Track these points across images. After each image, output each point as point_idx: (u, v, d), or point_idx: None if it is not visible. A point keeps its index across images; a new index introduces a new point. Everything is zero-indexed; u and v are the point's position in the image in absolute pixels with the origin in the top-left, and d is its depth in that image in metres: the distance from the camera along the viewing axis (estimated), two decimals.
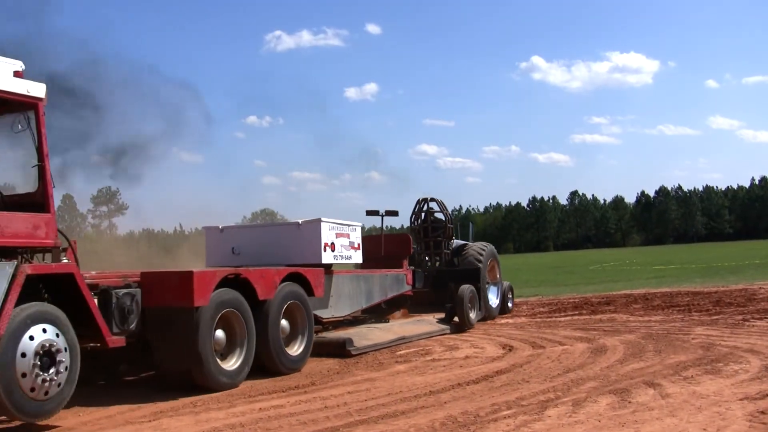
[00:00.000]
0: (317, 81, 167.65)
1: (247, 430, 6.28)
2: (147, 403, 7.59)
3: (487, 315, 15.08)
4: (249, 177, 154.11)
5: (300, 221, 10.96)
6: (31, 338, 6.18)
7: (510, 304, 16.71)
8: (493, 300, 15.73)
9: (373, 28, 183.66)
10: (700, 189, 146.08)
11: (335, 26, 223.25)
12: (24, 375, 6.10)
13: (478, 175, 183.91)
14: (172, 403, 7.57)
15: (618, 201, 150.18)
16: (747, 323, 12.28)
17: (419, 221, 16.20)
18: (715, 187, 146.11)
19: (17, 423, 6.73)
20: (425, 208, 16.23)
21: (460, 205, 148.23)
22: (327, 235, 10.87)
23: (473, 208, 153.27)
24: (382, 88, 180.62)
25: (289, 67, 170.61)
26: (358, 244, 11.78)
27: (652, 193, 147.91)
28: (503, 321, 15.07)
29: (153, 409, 7.31)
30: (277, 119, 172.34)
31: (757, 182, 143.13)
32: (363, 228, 12.17)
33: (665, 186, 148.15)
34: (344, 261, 11.51)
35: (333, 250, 10.95)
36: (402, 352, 10.83)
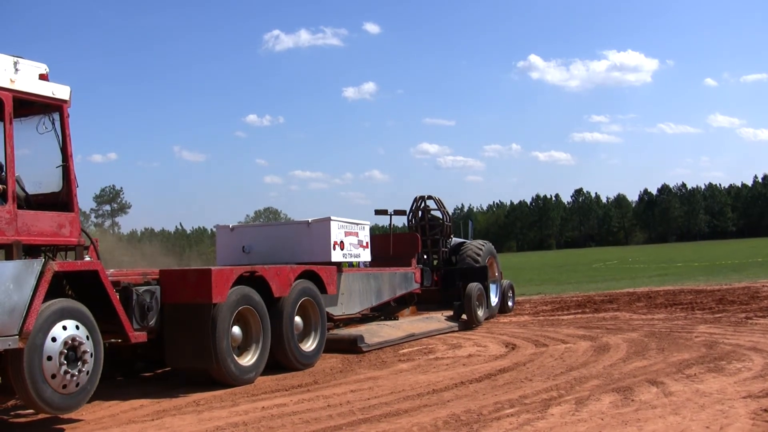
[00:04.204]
0: (316, 81, 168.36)
1: (250, 428, 6.33)
2: (150, 401, 7.69)
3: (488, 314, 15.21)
4: (251, 176, 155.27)
5: (310, 220, 11.11)
6: (58, 333, 6.36)
7: (511, 303, 16.68)
8: (493, 298, 15.68)
9: (371, 27, 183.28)
10: (703, 187, 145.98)
11: (333, 25, 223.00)
12: (50, 369, 6.27)
13: (479, 174, 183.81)
14: (176, 401, 7.66)
15: (620, 199, 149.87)
16: (750, 321, 12.35)
17: (416, 219, 16.26)
18: (718, 185, 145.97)
19: (42, 416, 6.97)
20: (422, 206, 16.26)
21: (462, 204, 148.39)
22: (336, 233, 11.04)
23: (476, 207, 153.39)
24: (380, 88, 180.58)
25: (287, 67, 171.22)
26: (367, 243, 11.95)
27: (654, 192, 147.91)
28: (506, 319, 15.15)
29: (156, 407, 7.39)
30: (277, 118, 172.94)
31: (760, 180, 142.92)
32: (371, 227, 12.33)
33: (667, 184, 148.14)
34: (353, 259, 11.69)
35: (342, 249, 11.12)
36: (405, 350, 10.93)
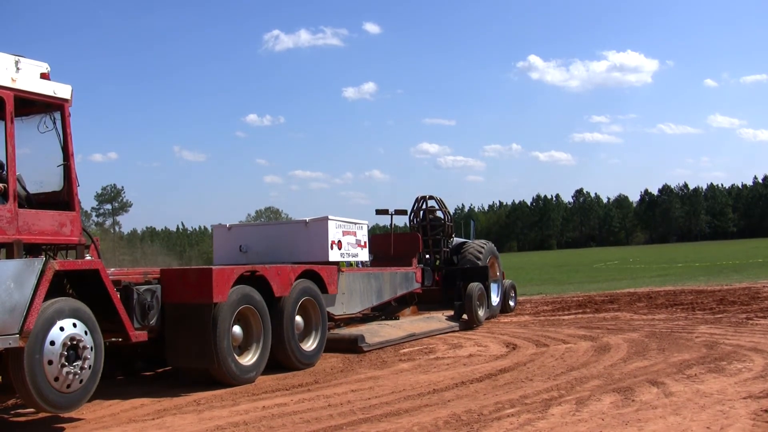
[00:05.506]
0: (316, 81, 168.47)
1: (251, 428, 6.33)
2: (151, 400, 7.69)
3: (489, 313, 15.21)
4: (251, 176, 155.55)
5: (307, 219, 11.08)
6: (59, 332, 6.36)
7: (512, 303, 16.72)
8: (494, 298, 15.70)
9: (371, 27, 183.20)
10: (704, 187, 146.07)
11: (333, 25, 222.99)
12: (51, 367, 6.27)
13: (480, 174, 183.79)
14: (176, 400, 7.66)
15: (621, 199, 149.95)
16: (750, 322, 12.37)
17: (418, 219, 16.26)
18: (719, 186, 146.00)
19: (43, 415, 6.97)
20: (424, 206, 16.25)
21: (463, 204, 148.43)
22: (334, 233, 11.01)
23: (477, 207, 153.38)
24: (380, 88, 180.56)
25: (287, 67, 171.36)
26: (365, 242, 11.92)
27: (655, 192, 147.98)
28: (507, 319, 15.16)
29: (157, 407, 7.39)
30: (277, 118, 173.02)
31: (760, 181, 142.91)
32: (368, 226, 12.31)
33: (668, 184, 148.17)
34: (351, 259, 11.68)
35: (340, 248, 11.10)
36: (406, 350, 10.92)
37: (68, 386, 6.43)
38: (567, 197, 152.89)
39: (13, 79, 6.71)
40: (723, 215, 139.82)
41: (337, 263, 11.07)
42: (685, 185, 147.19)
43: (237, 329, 8.49)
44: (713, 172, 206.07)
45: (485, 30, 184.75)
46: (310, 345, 9.78)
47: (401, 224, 17.06)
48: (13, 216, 6.57)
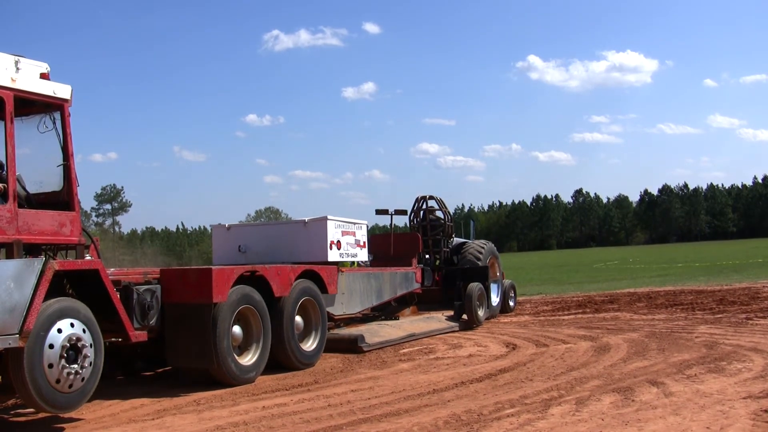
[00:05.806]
0: (316, 81, 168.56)
1: (251, 428, 6.34)
2: (151, 400, 7.70)
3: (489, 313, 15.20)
4: (251, 176, 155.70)
5: (306, 219, 11.08)
6: (59, 332, 6.36)
7: (512, 303, 16.73)
8: (494, 298, 15.69)
9: (371, 27, 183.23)
10: (704, 187, 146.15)
11: (333, 25, 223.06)
12: (51, 367, 6.28)
13: (480, 174, 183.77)
14: (176, 400, 7.66)
15: (621, 200, 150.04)
16: (750, 322, 12.37)
17: (418, 220, 16.27)
18: (719, 186, 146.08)
19: (43, 415, 6.97)
20: (424, 206, 16.26)
21: (462, 204, 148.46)
22: (333, 233, 11.01)
23: (477, 207, 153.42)
24: (380, 88, 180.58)
25: (287, 67, 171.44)
26: (364, 242, 11.91)
27: (655, 192, 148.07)
28: (507, 319, 15.16)
29: (157, 407, 7.40)
30: (277, 118, 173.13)
31: (760, 181, 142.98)
32: (367, 226, 12.32)
33: (668, 184, 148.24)
34: (350, 259, 11.68)
35: (339, 248, 11.10)
36: (406, 350, 10.93)
37: (68, 386, 6.43)
38: (567, 197, 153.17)
39: (13, 79, 6.71)
40: (723, 215, 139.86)
41: (336, 263, 11.08)
42: (685, 185, 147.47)
43: (237, 329, 8.49)
44: (713, 172, 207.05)
45: (485, 30, 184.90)
46: (310, 345, 9.78)
47: (401, 224, 17.08)
48: (13, 216, 6.57)
